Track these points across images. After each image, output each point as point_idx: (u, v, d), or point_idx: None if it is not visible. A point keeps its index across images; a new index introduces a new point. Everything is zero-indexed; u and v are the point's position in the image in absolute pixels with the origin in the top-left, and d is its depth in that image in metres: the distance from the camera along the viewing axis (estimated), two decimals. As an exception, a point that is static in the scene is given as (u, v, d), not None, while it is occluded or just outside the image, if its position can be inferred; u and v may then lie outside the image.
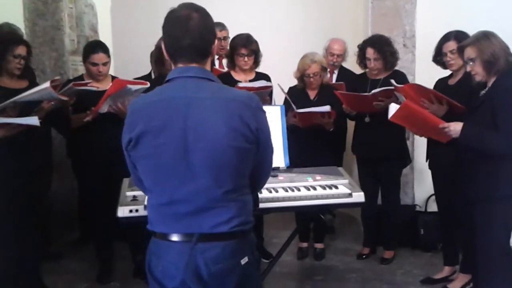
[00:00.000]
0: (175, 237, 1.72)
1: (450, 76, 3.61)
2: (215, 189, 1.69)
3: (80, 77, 3.77)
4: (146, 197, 1.82)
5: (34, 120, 3.04)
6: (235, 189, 1.73)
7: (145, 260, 1.81)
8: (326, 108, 3.73)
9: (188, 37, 1.70)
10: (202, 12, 1.75)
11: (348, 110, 4.00)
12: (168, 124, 1.67)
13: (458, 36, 3.41)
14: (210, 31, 1.77)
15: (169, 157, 1.67)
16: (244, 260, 1.75)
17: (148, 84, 3.42)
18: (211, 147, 1.66)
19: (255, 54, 4.02)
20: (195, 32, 1.71)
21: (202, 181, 1.68)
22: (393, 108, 3.08)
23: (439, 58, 3.57)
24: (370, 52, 3.90)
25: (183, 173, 1.68)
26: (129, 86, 3.36)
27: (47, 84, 3.14)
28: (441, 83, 3.63)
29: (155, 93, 1.78)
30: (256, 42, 4.00)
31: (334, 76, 4.66)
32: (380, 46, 3.87)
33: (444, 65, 3.57)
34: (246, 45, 3.89)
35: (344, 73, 4.71)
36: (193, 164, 1.67)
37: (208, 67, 1.80)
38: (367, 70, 4.06)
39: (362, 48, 3.99)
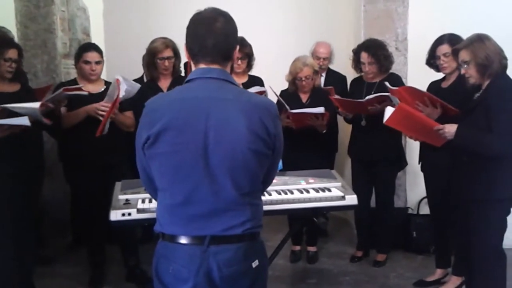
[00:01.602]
0: (185, 240, 1.70)
1: (443, 79, 3.62)
2: (232, 191, 1.68)
3: (73, 81, 3.75)
4: (158, 197, 1.80)
5: (24, 120, 3.03)
6: (251, 192, 1.74)
7: (152, 264, 1.79)
8: (320, 109, 3.74)
9: (213, 37, 1.72)
10: (227, 17, 1.77)
11: (344, 113, 4.02)
12: (190, 123, 1.67)
13: (451, 39, 3.43)
14: (234, 36, 1.79)
15: (188, 156, 1.67)
16: (255, 263, 1.75)
17: (121, 78, 3.36)
18: (231, 149, 1.67)
19: (249, 57, 4.03)
20: (219, 33, 1.73)
21: (219, 182, 1.68)
22: (389, 111, 3.08)
23: (432, 61, 3.59)
24: (364, 57, 3.92)
25: (202, 173, 1.67)
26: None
27: (36, 105, 3.11)
28: (434, 86, 3.64)
29: (176, 92, 1.79)
30: (249, 45, 4.01)
31: (322, 79, 4.66)
32: (374, 50, 3.89)
33: (437, 68, 3.59)
34: (240, 48, 3.88)
35: (332, 75, 4.72)
36: (212, 164, 1.67)
37: (228, 70, 1.81)
38: (362, 73, 4.08)
39: (356, 52, 4.01)
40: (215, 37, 1.72)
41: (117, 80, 3.33)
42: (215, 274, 1.68)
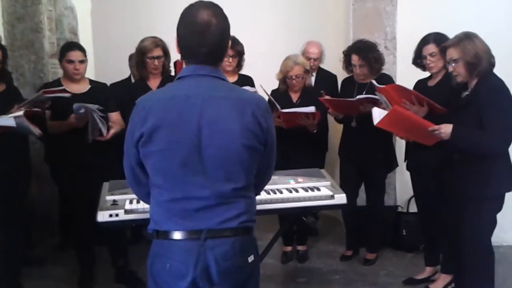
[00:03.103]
0: (182, 235, 1.70)
1: (430, 77, 3.63)
2: (226, 185, 1.70)
3: (57, 81, 3.72)
4: (152, 194, 1.78)
5: (10, 121, 3.00)
6: (244, 187, 1.75)
7: (147, 265, 1.78)
8: (311, 109, 3.74)
9: (206, 46, 1.71)
10: (219, 16, 1.73)
11: (334, 114, 4.01)
12: (183, 120, 1.67)
13: (437, 38, 3.43)
14: (227, 37, 1.77)
15: (182, 153, 1.67)
16: (250, 258, 1.76)
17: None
18: (224, 145, 1.68)
19: (240, 55, 4.02)
20: (213, 40, 1.71)
21: (213, 177, 1.69)
22: (376, 113, 3.07)
23: (419, 60, 3.59)
24: (355, 59, 3.90)
25: (196, 169, 1.68)
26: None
27: (20, 113, 3.08)
28: (420, 85, 3.65)
29: (168, 90, 1.78)
30: (241, 44, 4.00)
31: (313, 79, 4.65)
32: (365, 53, 3.87)
33: (424, 68, 3.59)
34: (232, 46, 3.87)
35: (322, 75, 4.70)
36: (205, 160, 1.68)
37: (219, 68, 1.81)
38: (353, 73, 4.07)
39: (347, 54, 3.99)
40: (209, 46, 1.71)
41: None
42: (212, 268, 1.68)
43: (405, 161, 3.82)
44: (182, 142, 1.67)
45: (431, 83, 3.58)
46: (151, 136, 1.68)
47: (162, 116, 1.67)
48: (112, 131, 3.51)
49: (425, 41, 3.52)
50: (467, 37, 2.86)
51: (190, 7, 1.73)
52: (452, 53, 2.90)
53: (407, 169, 3.83)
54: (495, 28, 4.08)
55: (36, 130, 3.20)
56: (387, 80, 3.91)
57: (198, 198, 1.69)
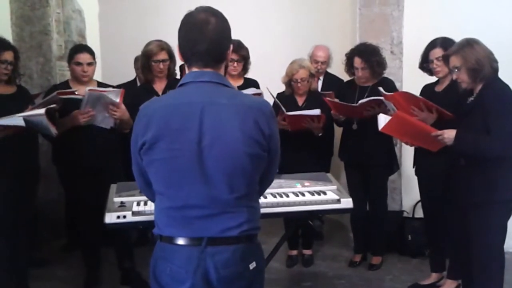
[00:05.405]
0: (183, 241, 1.70)
1: (437, 82, 3.63)
2: (228, 194, 1.68)
3: (66, 82, 3.74)
4: (155, 201, 1.81)
5: (19, 121, 3.02)
6: (247, 195, 1.73)
7: (150, 266, 1.79)
8: (316, 111, 3.75)
9: (205, 42, 1.70)
10: (219, 17, 1.74)
11: (336, 115, 4.01)
12: (184, 128, 1.66)
13: (444, 43, 3.43)
14: (227, 37, 1.77)
15: (183, 162, 1.66)
16: (252, 265, 1.75)
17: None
18: (226, 153, 1.66)
19: (245, 60, 4.03)
20: (212, 37, 1.70)
21: (215, 186, 1.68)
22: (382, 118, 3.07)
23: (425, 65, 3.59)
24: (357, 62, 3.91)
25: (197, 177, 1.67)
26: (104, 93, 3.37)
27: (42, 111, 3.09)
28: (427, 90, 3.64)
29: (169, 97, 1.78)
30: (246, 48, 4.01)
31: (320, 82, 4.67)
32: (367, 56, 3.88)
33: (430, 72, 3.59)
34: (237, 50, 3.88)
35: (330, 79, 4.72)
36: (207, 169, 1.66)
37: (222, 72, 1.79)
38: (355, 76, 4.08)
39: (349, 57, 4.00)
40: (208, 42, 1.70)
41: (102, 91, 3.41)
42: (212, 275, 1.68)
43: (413, 167, 3.81)
44: (183, 151, 1.66)
45: (439, 88, 3.58)
46: (153, 144, 1.68)
47: (163, 124, 1.67)
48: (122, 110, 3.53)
49: (432, 45, 3.52)
50: (467, 44, 2.88)
51: (190, 12, 1.75)
52: (454, 61, 2.92)
53: (416, 174, 3.82)
54: (501, 33, 4.09)
55: (53, 130, 3.21)
56: (389, 84, 3.91)
57: (199, 207, 1.68)
